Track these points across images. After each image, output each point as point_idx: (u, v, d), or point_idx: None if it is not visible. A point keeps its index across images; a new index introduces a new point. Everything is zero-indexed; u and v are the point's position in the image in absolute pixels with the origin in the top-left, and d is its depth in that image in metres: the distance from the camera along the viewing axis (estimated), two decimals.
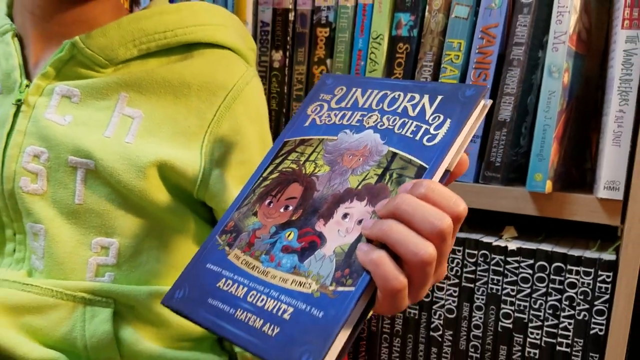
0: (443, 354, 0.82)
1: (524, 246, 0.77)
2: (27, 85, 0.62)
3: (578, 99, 0.82)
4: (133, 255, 0.62)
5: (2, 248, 0.63)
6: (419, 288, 0.42)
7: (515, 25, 0.76)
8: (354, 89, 0.52)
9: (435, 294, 0.82)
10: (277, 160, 0.52)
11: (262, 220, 0.48)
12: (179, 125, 0.62)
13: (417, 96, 0.49)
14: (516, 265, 0.77)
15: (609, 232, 0.81)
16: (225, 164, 0.63)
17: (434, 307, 0.82)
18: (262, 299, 0.43)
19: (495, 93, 0.78)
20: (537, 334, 0.77)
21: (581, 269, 0.74)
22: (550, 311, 0.76)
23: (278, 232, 0.47)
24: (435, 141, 0.45)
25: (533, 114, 0.78)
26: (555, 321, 0.76)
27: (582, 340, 0.75)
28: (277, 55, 0.92)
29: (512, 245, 0.77)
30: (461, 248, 0.80)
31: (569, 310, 0.75)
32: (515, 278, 0.77)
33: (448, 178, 0.46)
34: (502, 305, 0.78)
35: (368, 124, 0.49)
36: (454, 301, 0.81)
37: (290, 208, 0.47)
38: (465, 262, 0.80)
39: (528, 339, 0.77)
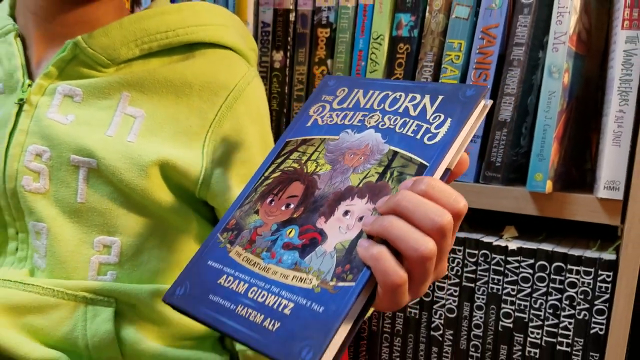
0: (444, 354, 0.83)
1: (524, 246, 0.77)
2: (30, 85, 0.62)
3: (578, 99, 0.82)
4: (135, 254, 0.62)
5: (5, 247, 0.63)
6: (419, 284, 0.42)
7: (516, 26, 0.76)
8: (355, 90, 0.53)
9: (435, 294, 0.82)
10: (279, 160, 0.52)
11: (264, 218, 0.48)
12: (181, 124, 0.62)
13: (418, 96, 0.49)
14: (516, 264, 0.77)
15: (609, 231, 0.81)
16: (226, 163, 0.63)
17: (434, 306, 0.83)
18: (263, 295, 0.44)
19: (495, 93, 0.78)
20: (538, 333, 0.77)
21: (581, 268, 0.74)
22: (551, 311, 0.76)
23: (279, 229, 0.47)
24: (436, 140, 0.46)
25: (533, 114, 0.78)
26: (556, 321, 0.76)
27: (582, 340, 0.75)
28: (278, 56, 0.92)
29: (513, 245, 0.78)
30: (462, 248, 0.80)
31: (569, 310, 0.75)
32: (515, 278, 0.78)
33: (448, 177, 0.46)
34: (503, 305, 0.79)
35: (369, 123, 0.50)
36: (454, 301, 0.81)
37: (292, 206, 0.48)
38: (465, 261, 0.80)
39: (528, 339, 0.78)
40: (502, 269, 0.78)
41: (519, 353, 0.78)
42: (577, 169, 0.89)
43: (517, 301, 0.78)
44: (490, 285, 0.79)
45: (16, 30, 0.65)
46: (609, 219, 0.72)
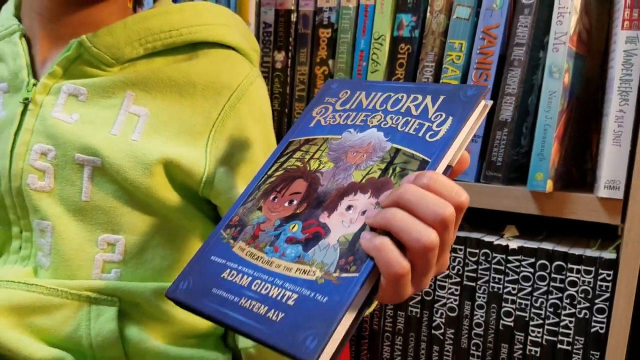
0: (445, 352, 0.83)
1: (525, 245, 0.77)
2: (35, 84, 0.62)
3: (578, 99, 0.83)
4: (139, 252, 0.62)
5: (8, 245, 0.64)
6: (421, 275, 0.43)
7: (516, 26, 0.77)
8: (358, 92, 0.54)
9: (437, 293, 0.83)
10: (282, 159, 0.53)
11: (267, 214, 0.49)
12: (185, 123, 0.63)
13: (420, 97, 0.50)
14: (517, 264, 0.78)
15: (610, 231, 0.82)
16: (229, 162, 0.64)
17: (435, 305, 0.83)
18: (267, 287, 0.44)
19: (496, 93, 0.79)
20: (538, 332, 0.77)
21: (582, 267, 0.74)
22: (551, 309, 0.76)
23: (282, 224, 0.47)
24: (438, 137, 0.46)
25: (534, 114, 0.78)
26: (556, 319, 0.76)
27: (582, 339, 0.75)
28: (280, 56, 0.93)
29: (513, 244, 0.78)
30: (463, 247, 0.81)
31: (569, 309, 0.75)
32: (516, 277, 0.78)
33: (449, 174, 0.46)
34: (504, 304, 0.79)
35: (372, 123, 0.50)
36: (455, 300, 0.82)
37: (295, 202, 0.48)
38: (466, 261, 0.81)
39: (529, 337, 0.78)
40: (503, 268, 0.79)
41: (520, 352, 0.78)
42: (578, 168, 0.89)
43: (518, 300, 0.78)
44: (491, 284, 0.79)
45: (21, 30, 0.65)
46: (609, 218, 0.73)
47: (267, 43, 0.93)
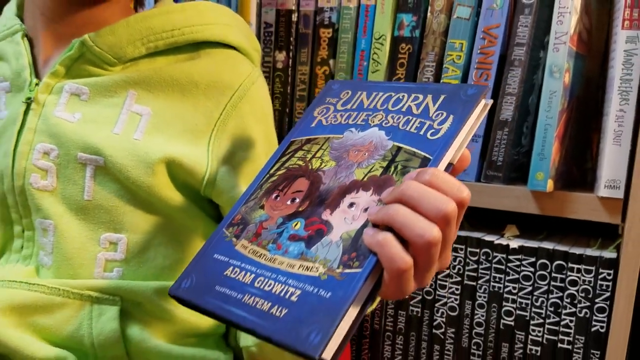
0: (445, 352, 0.83)
1: (525, 244, 0.77)
2: (37, 84, 0.63)
3: (579, 99, 0.83)
4: (141, 251, 0.62)
5: (10, 245, 0.64)
6: (424, 271, 0.43)
7: (517, 26, 0.77)
8: (359, 92, 0.54)
9: (437, 292, 0.83)
10: (284, 159, 0.53)
11: (269, 213, 0.49)
12: (187, 123, 0.63)
13: (421, 96, 0.50)
14: (518, 263, 0.78)
15: (610, 230, 0.82)
16: (231, 161, 0.64)
17: (436, 305, 0.83)
18: (270, 284, 0.44)
19: (496, 93, 0.79)
20: (539, 331, 0.77)
21: (582, 266, 0.74)
22: (552, 309, 0.76)
23: (285, 222, 0.47)
24: (439, 135, 0.47)
25: (534, 113, 0.78)
26: (557, 319, 0.76)
27: (583, 338, 0.75)
28: (281, 56, 0.93)
29: (514, 244, 0.78)
30: (463, 246, 0.81)
31: (570, 308, 0.76)
32: (517, 276, 0.78)
33: (451, 172, 0.47)
34: (504, 303, 0.79)
35: (373, 122, 0.51)
36: (456, 299, 0.82)
37: (297, 200, 0.48)
38: (467, 260, 0.81)
39: (530, 337, 0.78)
40: (503, 267, 0.79)
41: (520, 351, 0.79)
42: (578, 168, 0.90)
43: (519, 299, 0.78)
44: (492, 283, 0.80)
45: (23, 30, 0.65)
46: (610, 218, 0.73)
47: (268, 43, 0.93)
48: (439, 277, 0.83)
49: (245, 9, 0.93)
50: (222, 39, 0.66)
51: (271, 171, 0.52)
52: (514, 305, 0.78)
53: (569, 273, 0.75)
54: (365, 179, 0.47)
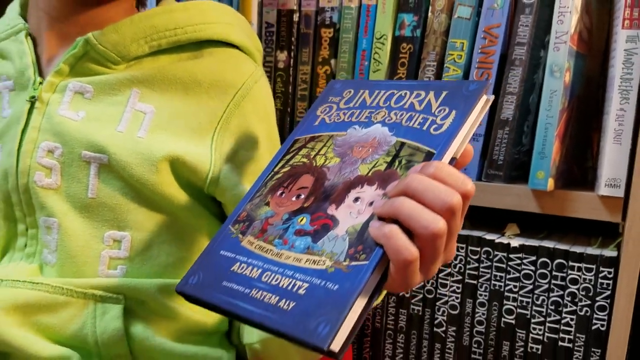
0: (446, 350, 0.83)
1: (526, 243, 0.78)
2: (41, 83, 0.63)
3: (579, 98, 0.83)
4: (145, 248, 0.63)
5: (14, 243, 0.64)
6: (429, 263, 0.43)
7: (517, 25, 0.77)
8: (361, 91, 0.54)
9: (438, 291, 0.83)
10: (288, 156, 0.53)
11: (275, 209, 0.49)
12: (190, 121, 0.63)
13: (423, 93, 0.51)
14: (518, 262, 0.78)
15: (610, 229, 0.82)
16: (234, 160, 0.64)
17: (437, 303, 0.83)
18: (277, 278, 0.44)
19: (497, 92, 0.79)
20: (540, 329, 0.78)
21: (583, 265, 0.75)
22: (553, 307, 0.77)
23: (290, 218, 0.48)
24: (442, 130, 0.47)
25: (535, 112, 0.79)
26: (557, 317, 0.77)
27: (584, 336, 0.75)
28: (282, 56, 0.93)
29: (515, 242, 0.78)
30: (464, 245, 0.81)
31: (570, 306, 0.76)
32: (517, 274, 0.78)
33: (454, 166, 0.47)
34: (505, 302, 0.79)
35: (376, 119, 0.51)
36: (457, 297, 0.82)
37: (302, 196, 0.49)
38: (468, 259, 0.81)
39: (530, 335, 0.78)
40: (504, 266, 0.79)
41: (521, 349, 0.79)
42: (579, 166, 0.90)
43: (519, 298, 0.78)
44: (493, 282, 0.80)
45: (27, 29, 0.65)
46: (610, 216, 0.73)
47: (269, 43, 0.94)
48: (439, 275, 0.83)
49: (246, 9, 0.94)
50: (225, 38, 0.66)
51: (275, 169, 0.53)
52: (515, 304, 0.79)
53: (569, 271, 0.76)
54: (369, 173, 0.47)
